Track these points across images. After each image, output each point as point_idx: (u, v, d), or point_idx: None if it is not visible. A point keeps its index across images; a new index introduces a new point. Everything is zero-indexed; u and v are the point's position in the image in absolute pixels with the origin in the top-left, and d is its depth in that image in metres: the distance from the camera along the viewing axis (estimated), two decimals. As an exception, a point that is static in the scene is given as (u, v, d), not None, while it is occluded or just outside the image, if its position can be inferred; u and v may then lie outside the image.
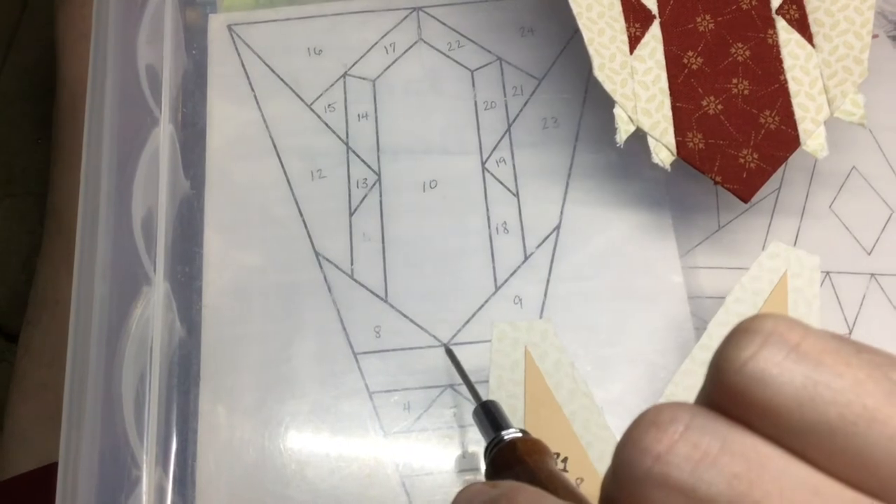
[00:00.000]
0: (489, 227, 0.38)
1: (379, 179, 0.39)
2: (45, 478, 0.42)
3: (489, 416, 0.29)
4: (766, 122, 0.35)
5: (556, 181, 0.39)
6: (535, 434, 0.28)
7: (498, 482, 0.19)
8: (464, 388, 0.35)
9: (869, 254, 0.37)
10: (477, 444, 0.34)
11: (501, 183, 0.39)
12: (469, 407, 0.35)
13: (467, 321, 0.37)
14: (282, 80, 0.42)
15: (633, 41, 0.36)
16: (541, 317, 0.36)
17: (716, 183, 0.35)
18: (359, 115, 0.41)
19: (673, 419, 0.15)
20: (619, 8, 0.37)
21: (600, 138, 0.39)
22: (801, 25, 0.36)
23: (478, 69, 0.42)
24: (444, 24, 0.43)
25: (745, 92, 0.35)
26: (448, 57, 0.42)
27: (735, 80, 0.36)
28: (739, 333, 0.15)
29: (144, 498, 0.31)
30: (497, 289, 0.37)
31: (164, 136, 0.37)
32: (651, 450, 0.15)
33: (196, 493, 0.34)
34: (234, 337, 0.36)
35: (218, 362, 0.36)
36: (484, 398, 0.31)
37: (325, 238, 0.38)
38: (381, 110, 0.41)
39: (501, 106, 0.41)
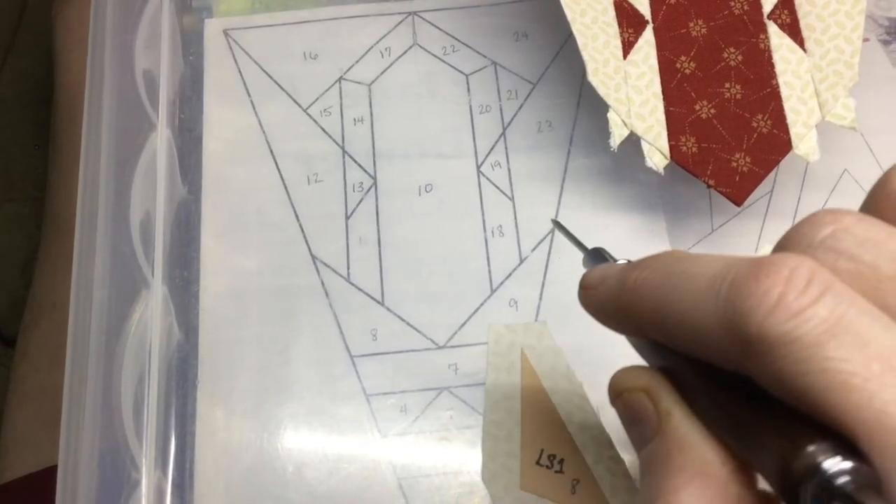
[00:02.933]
0: (485, 230, 0.39)
1: (375, 183, 0.40)
2: (42, 481, 0.42)
3: (600, 262, 0.28)
4: (759, 126, 0.35)
5: (551, 185, 0.39)
6: (531, 435, 0.29)
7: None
8: (461, 390, 0.35)
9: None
10: (474, 445, 0.34)
11: (497, 186, 0.39)
12: (465, 409, 0.35)
13: (463, 324, 0.37)
14: (278, 84, 0.42)
15: (627, 46, 0.36)
16: (536, 319, 0.36)
17: (709, 186, 0.35)
18: (354, 120, 0.41)
19: (848, 213, 0.19)
20: (612, 13, 0.37)
21: (594, 142, 0.40)
22: (793, 30, 0.36)
23: (473, 73, 0.42)
24: (438, 28, 0.43)
25: (738, 96, 0.36)
26: (443, 61, 0.42)
27: (727, 85, 0.36)
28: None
29: (144, 500, 0.31)
30: (493, 291, 0.37)
31: (161, 141, 0.38)
32: (828, 223, 0.19)
33: (194, 495, 0.34)
34: (231, 340, 0.37)
35: (215, 365, 0.36)
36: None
37: (321, 242, 0.39)
38: (377, 114, 0.41)
39: (496, 110, 0.41)
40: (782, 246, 0.20)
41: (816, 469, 0.16)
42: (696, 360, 0.20)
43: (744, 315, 0.17)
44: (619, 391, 0.22)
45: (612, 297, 0.22)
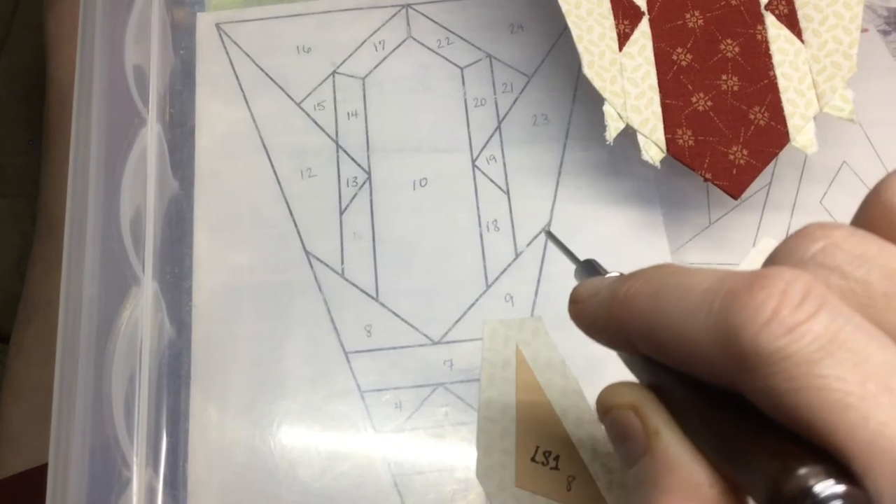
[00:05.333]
0: (480, 224, 0.38)
1: (369, 178, 0.39)
2: (37, 478, 0.42)
3: (591, 274, 0.28)
4: (756, 118, 0.35)
5: (547, 178, 0.39)
6: (526, 431, 0.28)
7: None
8: (455, 387, 0.35)
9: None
10: (469, 442, 0.34)
11: (492, 180, 0.39)
12: (460, 406, 0.35)
13: (458, 319, 0.36)
14: (270, 78, 0.42)
15: (623, 38, 0.36)
16: (532, 314, 0.36)
17: (706, 180, 0.35)
18: (348, 114, 0.41)
19: (839, 227, 0.18)
20: (607, 5, 0.36)
21: (590, 135, 0.39)
22: (791, 21, 0.36)
23: (467, 66, 0.42)
24: (433, 21, 0.43)
25: (735, 88, 0.35)
26: (438, 54, 0.42)
27: (724, 77, 0.36)
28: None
29: (135, 499, 0.31)
30: (488, 286, 0.37)
31: (151, 136, 0.37)
32: (819, 238, 0.18)
33: (187, 493, 0.34)
34: (224, 336, 0.36)
35: (208, 362, 0.36)
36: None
37: (315, 237, 0.38)
38: (371, 108, 0.41)
39: (491, 103, 0.41)
40: (773, 261, 0.19)
41: (808, 492, 0.15)
42: (687, 377, 0.19)
43: (737, 329, 0.17)
44: (607, 408, 0.22)
45: (602, 309, 0.22)
